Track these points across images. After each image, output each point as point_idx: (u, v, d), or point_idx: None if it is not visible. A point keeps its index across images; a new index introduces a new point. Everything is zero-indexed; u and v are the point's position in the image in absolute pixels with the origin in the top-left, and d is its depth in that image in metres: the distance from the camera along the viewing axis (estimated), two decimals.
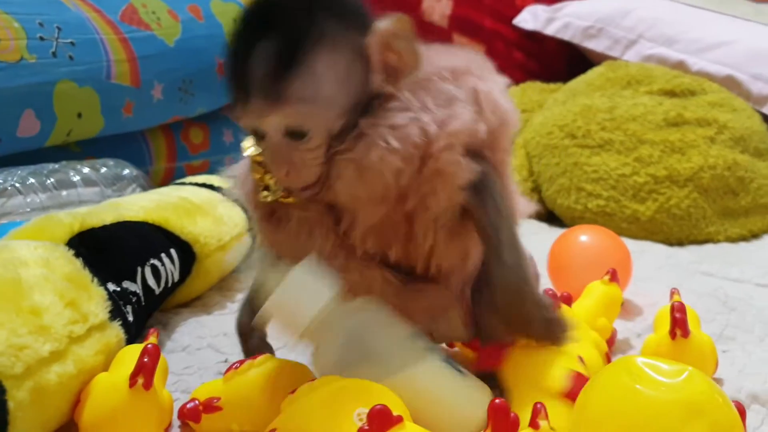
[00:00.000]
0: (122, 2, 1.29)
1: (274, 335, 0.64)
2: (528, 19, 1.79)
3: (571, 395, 0.53)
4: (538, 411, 0.45)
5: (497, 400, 0.47)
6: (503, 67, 0.59)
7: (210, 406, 0.56)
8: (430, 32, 1.80)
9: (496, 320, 0.57)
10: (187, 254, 0.81)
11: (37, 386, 0.48)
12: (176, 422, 0.58)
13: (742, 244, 1.20)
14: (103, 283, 0.62)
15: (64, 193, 0.96)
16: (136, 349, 0.58)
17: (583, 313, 0.72)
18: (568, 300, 0.71)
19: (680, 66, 1.51)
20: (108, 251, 0.68)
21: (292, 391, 0.51)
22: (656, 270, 1.02)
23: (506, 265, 0.55)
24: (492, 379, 0.58)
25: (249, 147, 0.56)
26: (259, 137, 0.53)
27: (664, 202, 1.20)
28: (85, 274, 0.60)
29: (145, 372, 0.52)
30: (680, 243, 1.19)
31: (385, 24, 0.52)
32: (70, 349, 0.52)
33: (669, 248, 1.16)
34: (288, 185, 0.54)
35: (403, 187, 0.52)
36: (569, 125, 1.31)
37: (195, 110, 1.42)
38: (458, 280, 0.60)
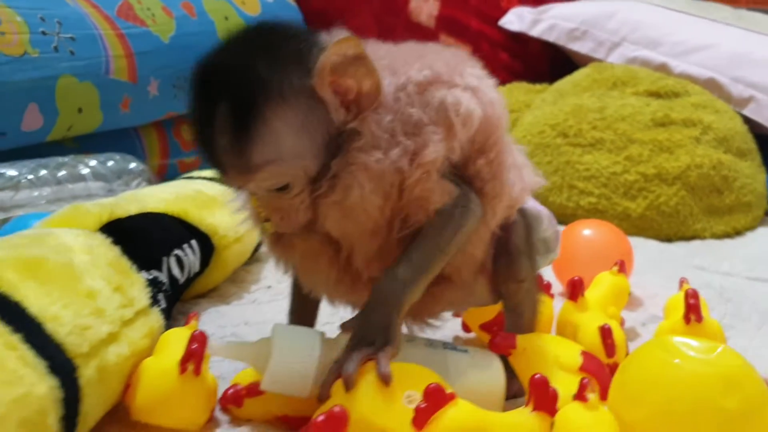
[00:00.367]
0: None
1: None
2: (513, 20, 1.82)
3: (584, 370, 0.58)
4: (585, 385, 0.48)
5: (537, 375, 0.50)
6: (489, 68, 0.59)
7: (254, 390, 0.57)
8: (418, 33, 1.83)
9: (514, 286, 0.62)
10: (206, 245, 0.82)
11: (100, 365, 0.49)
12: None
13: (727, 241, 1.25)
14: (138, 270, 0.63)
15: (70, 186, 0.97)
16: (177, 333, 0.59)
17: (594, 302, 0.75)
18: (580, 285, 0.74)
19: (663, 68, 1.56)
20: (135, 241, 0.69)
21: None
22: (651, 264, 1.06)
23: (396, 279, 0.54)
24: (503, 363, 0.61)
25: None
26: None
27: (653, 200, 1.24)
28: (125, 261, 0.61)
29: (195, 358, 0.54)
30: (669, 239, 1.23)
31: (326, 55, 0.50)
32: (122, 332, 0.54)
33: (660, 244, 1.20)
34: (284, 231, 0.55)
35: (388, 217, 0.54)
36: (561, 124, 1.34)
37: None
38: (468, 271, 0.62)
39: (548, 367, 0.58)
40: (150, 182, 1.04)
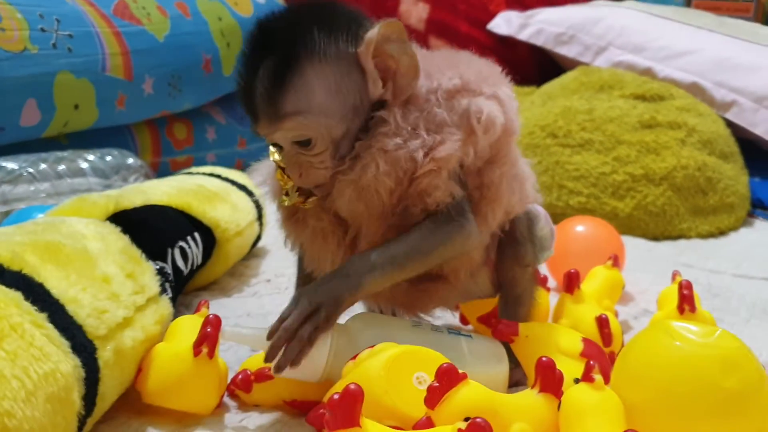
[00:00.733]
0: None
1: None
2: (501, 24, 1.85)
3: (585, 355, 0.60)
4: (591, 367, 0.49)
5: (544, 358, 0.52)
6: None
7: (262, 375, 0.59)
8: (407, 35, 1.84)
9: (520, 271, 0.65)
10: (208, 238, 0.83)
11: (117, 348, 0.50)
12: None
13: (712, 240, 1.28)
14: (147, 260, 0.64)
15: (69, 180, 0.97)
16: (187, 320, 0.60)
17: (589, 294, 0.77)
18: (577, 277, 0.75)
19: (648, 72, 1.59)
20: (141, 232, 0.70)
21: (353, 358, 0.54)
22: (640, 261, 1.08)
23: (367, 261, 0.56)
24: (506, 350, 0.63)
25: (273, 152, 0.60)
26: (278, 146, 0.58)
27: (641, 200, 1.26)
28: (135, 249, 0.62)
29: (208, 342, 0.55)
30: (656, 238, 1.26)
31: (374, 31, 0.55)
32: (136, 317, 0.55)
33: (648, 242, 1.23)
34: (302, 185, 0.58)
35: (394, 204, 0.57)
36: (551, 125, 1.37)
37: (182, 106, 1.44)
38: (465, 272, 0.64)
39: (550, 353, 0.59)
40: (147, 178, 1.05)
